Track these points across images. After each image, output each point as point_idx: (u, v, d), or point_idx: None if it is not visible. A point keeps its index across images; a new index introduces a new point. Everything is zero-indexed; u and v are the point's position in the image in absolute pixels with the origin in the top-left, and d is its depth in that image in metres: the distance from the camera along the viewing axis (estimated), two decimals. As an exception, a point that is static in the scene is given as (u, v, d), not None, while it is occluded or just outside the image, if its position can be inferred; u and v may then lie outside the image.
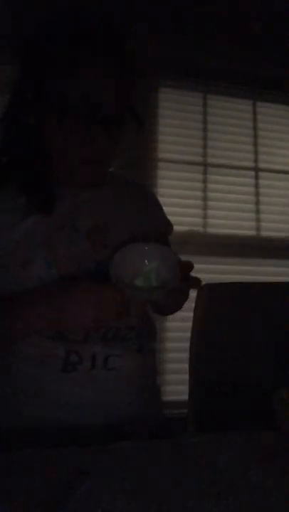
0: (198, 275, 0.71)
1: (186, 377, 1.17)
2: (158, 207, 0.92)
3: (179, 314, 0.86)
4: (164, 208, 0.93)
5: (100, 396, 0.72)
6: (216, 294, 1.18)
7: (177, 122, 1.96)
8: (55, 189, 0.76)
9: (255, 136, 2.07)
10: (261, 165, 2.06)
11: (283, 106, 2.11)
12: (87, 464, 0.53)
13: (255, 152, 2.06)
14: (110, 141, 0.72)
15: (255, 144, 2.06)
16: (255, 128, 2.07)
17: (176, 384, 1.60)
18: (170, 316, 0.96)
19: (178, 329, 1.70)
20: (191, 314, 1.17)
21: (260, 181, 2.04)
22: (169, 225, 0.92)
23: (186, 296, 0.75)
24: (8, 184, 0.76)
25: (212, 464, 0.55)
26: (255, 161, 2.05)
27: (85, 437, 0.68)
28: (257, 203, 2.01)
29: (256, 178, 2.04)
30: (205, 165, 1.97)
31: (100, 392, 0.72)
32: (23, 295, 0.71)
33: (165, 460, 0.56)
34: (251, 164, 2.05)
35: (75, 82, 0.69)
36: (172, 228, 0.93)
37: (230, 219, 1.96)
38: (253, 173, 2.04)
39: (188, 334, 1.18)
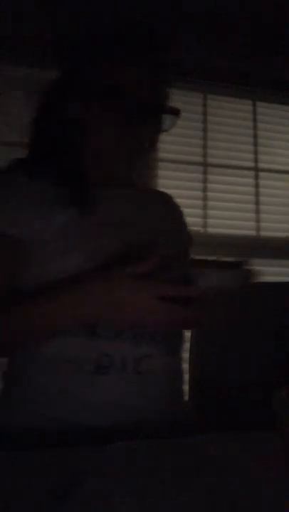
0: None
1: (186, 377, 1.17)
2: (183, 219, 0.93)
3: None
4: None
5: (128, 399, 0.70)
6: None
7: (177, 122, 1.96)
8: (90, 183, 0.76)
9: (255, 136, 2.07)
10: (261, 165, 2.06)
11: (283, 106, 2.11)
12: (87, 464, 0.53)
13: (255, 152, 2.06)
14: (146, 134, 0.74)
15: (255, 144, 2.06)
16: (255, 128, 2.07)
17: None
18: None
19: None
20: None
21: (260, 181, 2.04)
22: (191, 239, 0.93)
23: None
24: (43, 176, 0.74)
25: (212, 464, 0.55)
26: (255, 161, 2.05)
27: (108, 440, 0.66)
28: (257, 203, 2.01)
29: (256, 178, 2.04)
30: (205, 165, 1.97)
31: (128, 395, 0.70)
32: (55, 291, 0.67)
33: (165, 460, 0.56)
34: (251, 164, 2.05)
35: (116, 73, 0.71)
36: (192, 243, 0.93)
37: (230, 219, 1.96)
38: (253, 173, 2.04)
39: (188, 334, 1.18)
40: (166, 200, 0.92)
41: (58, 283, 0.67)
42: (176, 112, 0.79)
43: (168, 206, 0.90)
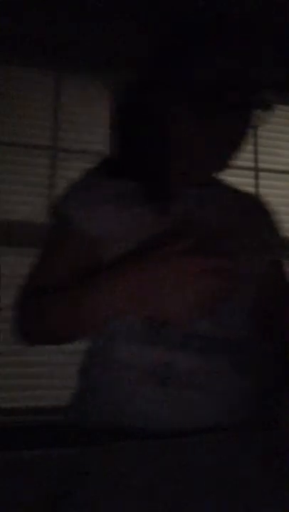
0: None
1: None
2: (269, 227, 0.87)
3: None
4: None
5: (186, 415, 0.66)
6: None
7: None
8: (172, 183, 0.74)
9: (255, 136, 2.07)
10: (261, 165, 2.06)
11: (283, 106, 2.11)
12: (87, 464, 0.53)
13: (255, 152, 2.06)
14: (238, 131, 0.71)
15: (255, 144, 2.06)
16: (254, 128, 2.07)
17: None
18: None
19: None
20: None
21: (260, 181, 2.04)
22: (277, 252, 0.84)
23: None
24: (125, 176, 0.73)
25: (212, 464, 0.55)
26: (255, 161, 2.05)
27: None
28: (257, 202, 2.01)
29: (256, 178, 2.04)
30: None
31: (186, 412, 0.66)
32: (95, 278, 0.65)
33: (165, 460, 0.56)
34: (251, 164, 2.05)
35: (215, 67, 0.68)
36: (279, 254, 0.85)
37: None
38: (253, 173, 2.04)
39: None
40: (253, 205, 0.86)
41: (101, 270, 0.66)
42: (268, 108, 0.75)
43: (253, 211, 0.84)
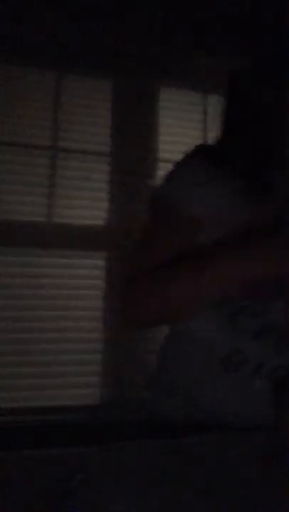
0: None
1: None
2: None
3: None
4: None
5: (252, 408, 0.68)
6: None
7: (177, 122, 1.96)
8: (271, 174, 0.75)
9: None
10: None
11: None
12: (87, 464, 0.53)
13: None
14: None
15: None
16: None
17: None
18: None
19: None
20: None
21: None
22: None
23: None
24: (226, 163, 0.74)
25: (212, 464, 0.55)
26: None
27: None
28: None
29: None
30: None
31: (252, 404, 0.68)
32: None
33: (165, 460, 0.56)
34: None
35: None
36: None
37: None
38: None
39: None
40: None
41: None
42: None
43: None
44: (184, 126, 1.97)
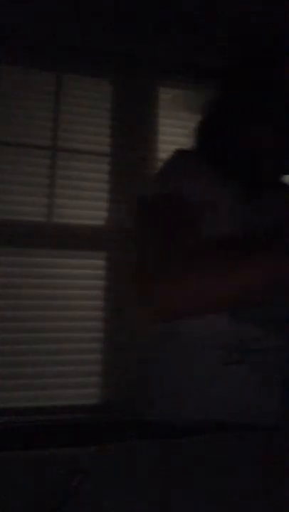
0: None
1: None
2: None
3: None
4: None
5: (252, 400, 0.68)
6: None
7: (177, 122, 1.96)
8: (258, 176, 0.78)
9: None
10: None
11: None
12: (87, 464, 0.53)
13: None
14: None
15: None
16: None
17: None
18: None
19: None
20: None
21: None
22: None
23: None
24: (216, 161, 0.77)
25: (212, 464, 0.55)
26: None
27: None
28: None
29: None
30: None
31: (252, 396, 0.68)
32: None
33: (165, 460, 0.56)
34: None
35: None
36: None
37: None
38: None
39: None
40: None
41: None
42: None
43: None
44: (184, 126, 1.97)
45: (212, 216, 0.71)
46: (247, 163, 0.78)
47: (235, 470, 0.54)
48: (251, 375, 0.68)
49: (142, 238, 0.74)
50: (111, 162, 1.77)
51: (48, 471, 0.52)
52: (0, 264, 1.63)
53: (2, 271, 1.61)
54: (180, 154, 0.81)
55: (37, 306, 1.61)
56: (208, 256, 0.66)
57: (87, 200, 1.72)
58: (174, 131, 1.94)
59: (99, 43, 1.74)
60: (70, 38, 1.72)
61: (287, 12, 0.78)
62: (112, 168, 1.76)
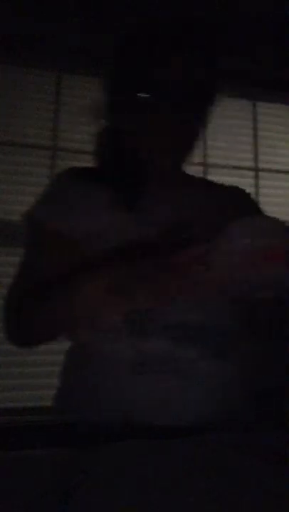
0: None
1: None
2: (250, 210, 0.87)
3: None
4: None
5: (164, 401, 0.68)
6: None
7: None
8: (139, 183, 0.77)
9: (255, 136, 2.07)
10: (261, 165, 2.06)
11: (283, 106, 2.11)
12: (87, 464, 0.53)
13: (255, 152, 2.06)
14: (180, 129, 0.72)
15: (255, 144, 2.06)
16: (255, 128, 2.07)
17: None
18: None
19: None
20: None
21: (260, 181, 2.04)
22: None
23: None
24: (93, 179, 0.77)
25: (212, 464, 0.55)
26: (255, 161, 2.05)
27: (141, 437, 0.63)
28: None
29: (256, 178, 2.04)
30: (205, 165, 1.97)
31: (164, 397, 0.68)
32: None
33: (165, 460, 0.56)
34: (251, 164, 2.05)
35: (157, 71, 0.71)
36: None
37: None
38: (252, 173, 2.04)
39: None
40: (228, 198, 0.86)
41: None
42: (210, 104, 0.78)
43: (226, 205, 0.83)
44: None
45: (94, 240, 0.71)
46: (131, 168, 0.77)
47: (235, 470, 0.54)
48: (157, 384, 0.68)
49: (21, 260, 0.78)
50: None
51: (48, 471, 0.52)
52: (0, 264, 1.62)
53: (2, 271, 1.61)
54: (66, 174, 0.81)
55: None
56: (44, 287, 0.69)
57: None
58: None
59: (99, 42, 1.74)
60: (69, 38, 1.72)
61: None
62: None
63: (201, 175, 1.95)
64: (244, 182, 2.02)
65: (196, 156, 2.11)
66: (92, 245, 0.71)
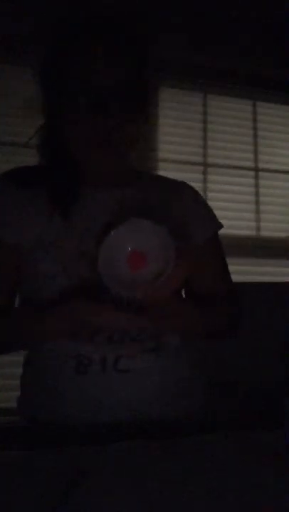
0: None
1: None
2: (196, 206, 0.88)
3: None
4: None
5: (108, 398, 0.72)
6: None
7: (177, 122, 1.96)
8: (79, 189, 0.76)
9: (255, 136, 2.07)
10: (261, 165, 2.06)
11: (283, 106, 2.11)
12: (87, 464, 0.53)
13: (255, 152, 2.06)
14: (113, 121, 0.70)
15: (255, 144, 2.06)
16: (255, 128, 2.07)
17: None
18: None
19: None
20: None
21: (260, 181, 2.04)
22: (211, 222, 0.92)
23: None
24: (28, 184, 0.77)
25: (212, 464, 0.55)
26: (255, 161, 2.05)
27: (90, 436, 0.67)
28: (257, 203, 2.01)
29: (256, 178, 2.04)
30: (205, 165, 1.97)
31: (111, 394, 0.72)
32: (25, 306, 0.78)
33: (165, 460, 0.56)
34: (251, 164, 2.05)
35: (68, 68, 0.72)
36: (216, 227, 0.94)
37: (230, 219, 1.96)
38: (253, 173, 2.04)
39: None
40: (172, 192, 0.86)
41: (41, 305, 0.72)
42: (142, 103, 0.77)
43: (169, 203, 0.83)
44: (184, 126, 1.97)
45: (34, 245, 0.73)
46: (67, 168, 0.77)
47: (236, 470, 0.54)
48: (100, 383, 0.72)
49: None
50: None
51: (48, 471, 0.52)
52: None
53: None
54: (2, 178, 0.80)
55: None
56: None
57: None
58: (174, 131, 1.94)
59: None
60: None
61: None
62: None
63: (201, 175, 1.95)
64: (244, 182, 2.02)
65: (196, 156, 2.11)
66: (28, 254, 0.73)
